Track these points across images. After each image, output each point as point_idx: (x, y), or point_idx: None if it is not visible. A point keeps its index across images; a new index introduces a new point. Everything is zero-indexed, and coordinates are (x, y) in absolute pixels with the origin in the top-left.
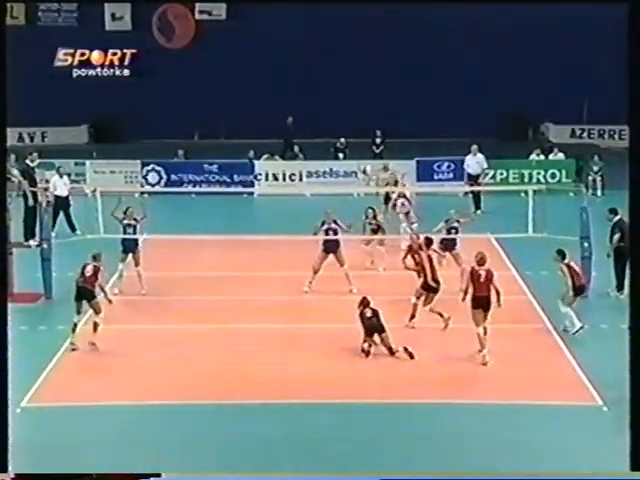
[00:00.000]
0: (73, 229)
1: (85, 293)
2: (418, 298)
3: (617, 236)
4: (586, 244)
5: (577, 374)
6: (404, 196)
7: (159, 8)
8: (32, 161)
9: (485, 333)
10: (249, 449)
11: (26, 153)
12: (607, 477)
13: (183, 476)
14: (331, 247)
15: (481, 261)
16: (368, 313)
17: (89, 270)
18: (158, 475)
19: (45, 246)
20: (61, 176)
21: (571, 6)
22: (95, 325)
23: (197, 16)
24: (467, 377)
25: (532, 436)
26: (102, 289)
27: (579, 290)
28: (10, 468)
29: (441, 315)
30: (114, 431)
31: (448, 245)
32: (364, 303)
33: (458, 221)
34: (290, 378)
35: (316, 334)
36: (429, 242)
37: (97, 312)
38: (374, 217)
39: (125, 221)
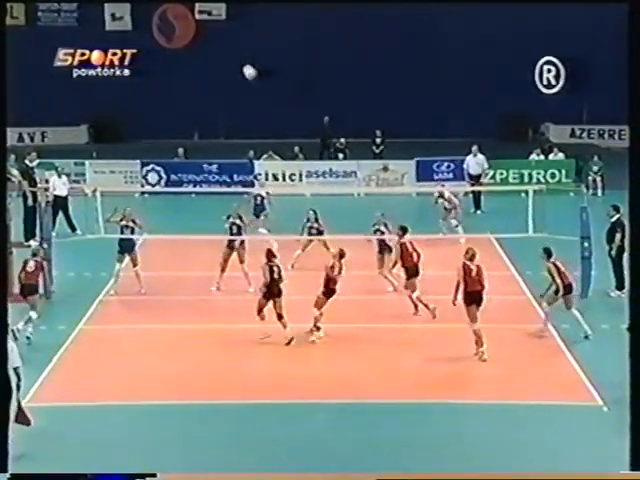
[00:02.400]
0: (73, 229)
1: (28, 288)
2: (407, 288)
3: (619, 236)
4: (586, 244)
5: (577, 374)
6: (442, 196)
7: (159, 8)
8: (31, 161)
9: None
10: (249, 449)
11: (25, 153)
12: (607, 477)
13: (179, 476)
14: (234, 243)
15: (472, 257)
16: (276, 272)
17: (31, 266)
18: (154, 475)
19: (45, 246)
20: (60, 176)
21: (571, 6)
22: (29, 318)
23: (197, 16)
24: (467, 377)
25: (532, 436)
26: (44, 284)
27: (567, 289)
28: (10, 468)
29: (427, 306)
30: (113, 431)
31: (381, 249)
32: (269, 256)
33: (385, 224)
34: (289, 378)
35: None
36: (404, 231)
37: (33, 308)
38: (316, 220)
39: (122, 222)
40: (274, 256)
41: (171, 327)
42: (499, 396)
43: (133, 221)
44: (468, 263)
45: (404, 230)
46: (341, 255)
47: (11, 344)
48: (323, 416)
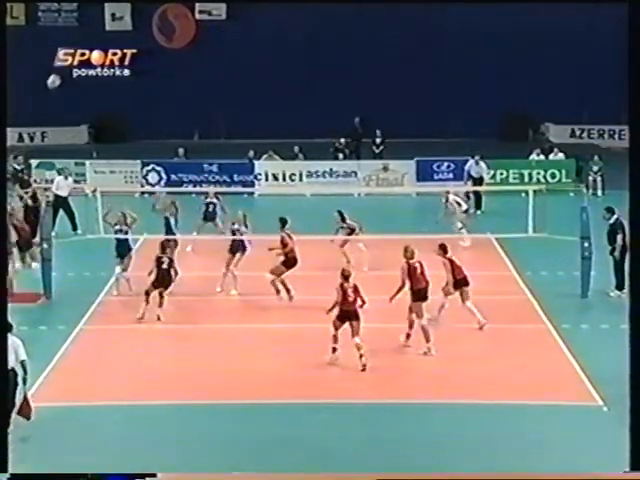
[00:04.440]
0: (75, 228)
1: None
2: (279, 275)
3: (620, 236)
4: (586, 244)
5: (577, 374)
6: (447, 199)
7: (159, 8)
8: (18, 164)
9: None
10: (248, 449)
11: (12, 156)
12: (607, 477)
13: (179, 476)
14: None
15: (412, 255)
16: (165, 263)
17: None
18: (154, 475)
19: (45, 246)
20: (66, 177)
21: (571, 6)
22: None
23: (197, 16)
24: (467, 377)
25: (532, 436)
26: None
27: (460, 283)
28: (10, 468)
29: (286, 288)
30: (113, 431)
31: (234, 247)
32: (162, 248)
33: (245, 224)
34: (290, 378)
35: (316, 334)
36: (284, 224)
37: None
38: (342, 220)
39: (117, 226)
40: (167, 247)
41: (171, 327)
42: (499, 396)
43: (126, 224)
44: (411, 262)
45: (284, 223)
46: (345, 276)
47: (17, 340)
48: (323, 416)
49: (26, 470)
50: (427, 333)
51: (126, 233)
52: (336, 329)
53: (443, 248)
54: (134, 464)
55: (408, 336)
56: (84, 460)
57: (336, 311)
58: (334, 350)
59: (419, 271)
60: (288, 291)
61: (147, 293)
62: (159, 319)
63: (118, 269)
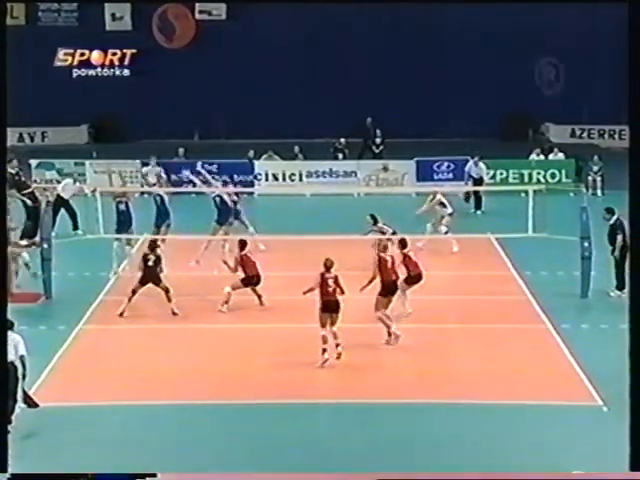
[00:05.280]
0: (75, 227)
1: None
2: (234, 289)
3: (620, 237)
4: (586, 244)
5: (577, 374)
6: (434, 197)
7: (159, 8)
8: (13, 168)
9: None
10: (248, 449)
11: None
12: (607, 477)
13: (179, 476)
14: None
15: (385, 249)
16: (151, 260)
17: None
18: (154, 475)
19: (45, 246)
20: (75, 182)
21: (571, 6)
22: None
23: (197, 16)
24: (467, 377)
25: (532, 436)
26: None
27: (414, 278)
28: (10, 468)
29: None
30: (113, 431)
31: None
32: (151, 246)
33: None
34: (289, 378)
35: (314, 334)
36: (243, 245)
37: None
38: (374, 223)
39: (117, 198)
40: (155, 247)
41: (171, 327)
42: (499, 396)
43: (124, 194)
44: (382, 255)
45: (243, 245)
46: (327, 266)
47: (17, 337)
48: (323, 416)
49: (26, 470)
50: (386, 323)
51: (127, 204)
52: (323, 325)
53: (402, 242)
54: (134, 464)
55: (389, 333)
56: (84, 460)
57: (319, 304)
58: (324, 351)
59: (389, 264)
60: (225, 303)
61: (133, 291)
62: (174, 313)
63: (115, 245)
